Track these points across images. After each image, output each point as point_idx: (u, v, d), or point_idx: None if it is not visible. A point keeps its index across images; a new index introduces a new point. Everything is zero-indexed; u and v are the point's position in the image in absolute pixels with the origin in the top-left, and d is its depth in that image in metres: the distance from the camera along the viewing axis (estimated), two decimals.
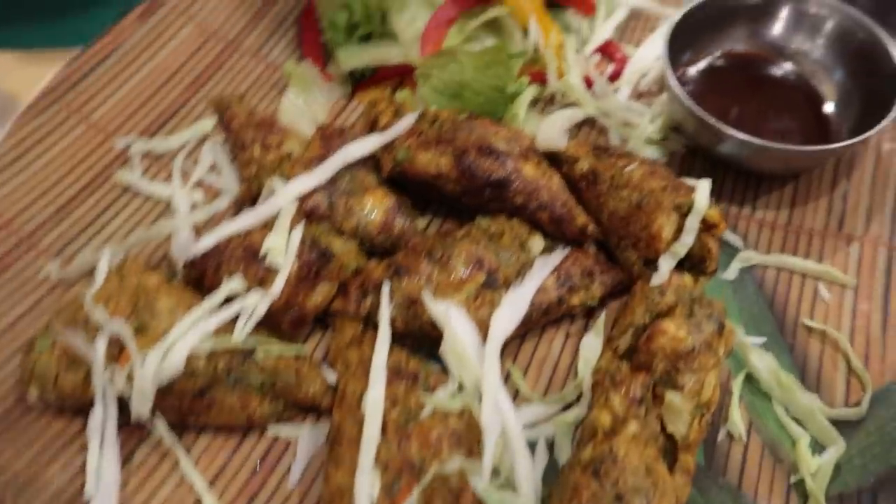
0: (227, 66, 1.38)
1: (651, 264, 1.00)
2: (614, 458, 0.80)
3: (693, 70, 1.27)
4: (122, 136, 1.24)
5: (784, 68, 1.25)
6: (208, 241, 1.00)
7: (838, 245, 1.09)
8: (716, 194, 1.16)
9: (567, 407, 0.95)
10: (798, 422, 0.92)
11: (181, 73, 1.36)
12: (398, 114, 1.18)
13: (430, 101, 1.24)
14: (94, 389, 0.88)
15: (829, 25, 1.21)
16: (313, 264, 0.98)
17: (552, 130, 1.17)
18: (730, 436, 0.92)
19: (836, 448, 0.88)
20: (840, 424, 0.91)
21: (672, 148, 1.23)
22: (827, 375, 0.96)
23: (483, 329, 0.95)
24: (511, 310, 0.96)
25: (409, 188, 1.13)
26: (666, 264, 0.96)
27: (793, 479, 0.88)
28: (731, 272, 1.07)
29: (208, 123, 1.27)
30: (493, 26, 1.31)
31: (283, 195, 1.04)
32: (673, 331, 0.88)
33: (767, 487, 0.88)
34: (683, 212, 0.97)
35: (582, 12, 1.40)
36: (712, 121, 1.08)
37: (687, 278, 0.97)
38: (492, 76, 1.20)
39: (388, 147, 1.12)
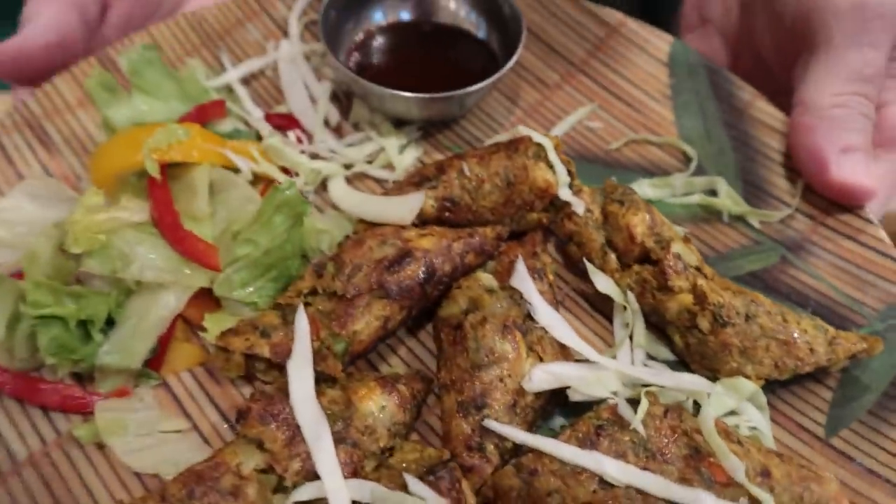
0: None
1: (549, 209, 1.15)
2: (721, 305, 1.01)
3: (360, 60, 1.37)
4: None
5: (440, 27, 1.42)
6: None
7: (567, 91, 1.39)
8: (466, 143, 1.34)
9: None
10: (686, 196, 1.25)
11: None
12: (267, 331, 1.00)
13: (255, 298, 1.07)
14: None
15: None
16: (451, 483, 0.88)
17: (371, 205, 1.15)
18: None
19: (723, 184, 1.23)
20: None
21: (414, 138, 1.33)
22: (662, 159, 1.30)
23: (561, 358, 1.01)
24: (558, 326, 1.02)
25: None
26: (569, 194, 1.13)
27: (731, 218, 1.22)
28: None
29: None
30: (212, 188, 1.13)
31: (337, 493, 0.87)
32: (636, 219, 1.08)
33: (738, 241, 1.20)
34: (543, 156, 1.12)
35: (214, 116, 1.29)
36: (413, 96, 1.23)
37: (584, 187, 1.16)
38: (283, 222, 1.09)
39: (317, 358, 0.98)
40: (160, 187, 1.07)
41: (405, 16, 1.42)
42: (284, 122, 1.31)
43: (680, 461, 0.91)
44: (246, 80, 1.37)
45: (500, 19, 1.35)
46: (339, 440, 0.92)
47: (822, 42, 1.13)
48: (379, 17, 1.40)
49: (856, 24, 1.10)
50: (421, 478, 0.88)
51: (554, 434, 1.00)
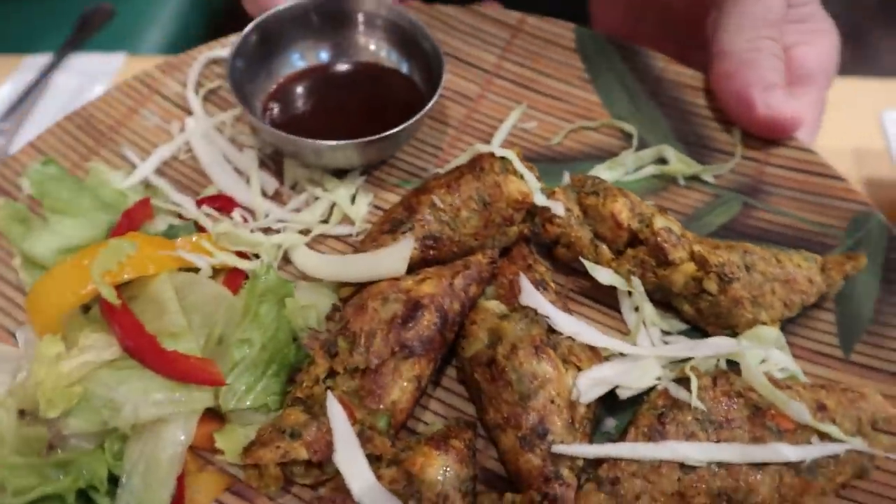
0: None
1: (526, 218, 1.14)
2: (723, 264, 1.04)
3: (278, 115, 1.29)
4: None
5: (354, 68, 1.37)
6: None
7: (490, 98, 1.38)
8: (412, 175, 1.30)
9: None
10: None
11: None
12: (296, 432, 0.91)
13: (264, 399, 0.97)
14: None
15: (379, 22, 1.34)
16: None
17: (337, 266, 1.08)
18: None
19: (670, 150, 1.27)
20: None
21: (359, 184, 1.27)
22: (603, 141, 1.33)
23: (595, 361, 1.00)
24: (583, 330, 1.01)
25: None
26: (544, 199, 1.12)
27: (687, 180, 1.26)
28: None
29: None
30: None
31: None
32: (617, 205, 1.09)
33: (699, 200, 1.25)
34: (511, 169, 1.10)
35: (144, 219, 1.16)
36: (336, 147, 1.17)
37: (556, 188, 1.15)
38: (270, 310, 1.00)
39: (362, 439, 0.91)
40: (123, 313, 0.94)
41: (307, 63, 1.35)
42: (222, 204, 1.20)
43: (746, 423, 0.93)
44: (160, 171, 1.24)
45: (413, 47, 1.32)
46: None
47: None
48: (293, 64, 1.33)
49: None
50: None
51: (609, 437, 1.00)
